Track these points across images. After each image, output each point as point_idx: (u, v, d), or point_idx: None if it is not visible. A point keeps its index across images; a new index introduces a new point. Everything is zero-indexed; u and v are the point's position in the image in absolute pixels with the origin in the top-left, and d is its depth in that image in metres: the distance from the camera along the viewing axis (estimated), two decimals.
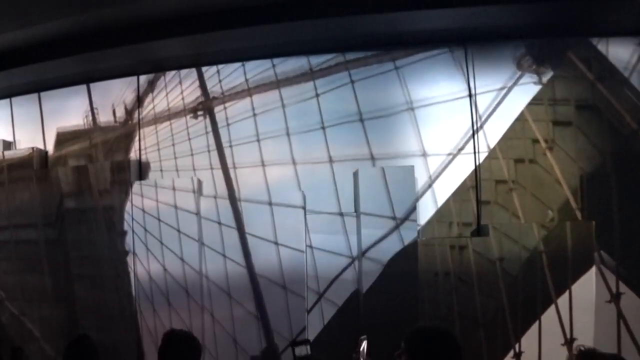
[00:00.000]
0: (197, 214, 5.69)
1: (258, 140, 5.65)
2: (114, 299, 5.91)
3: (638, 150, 4.93)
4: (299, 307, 5.31)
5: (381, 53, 5.41)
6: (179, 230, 5.71)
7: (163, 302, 5.73)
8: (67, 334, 6.02)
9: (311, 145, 5.50)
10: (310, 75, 5.59)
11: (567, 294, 4.84)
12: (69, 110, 6.38)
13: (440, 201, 5.19)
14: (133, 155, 6.03)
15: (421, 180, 5.23)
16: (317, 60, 5.58)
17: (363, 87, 5.45)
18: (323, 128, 5.47)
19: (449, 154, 5.22)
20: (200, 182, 5.73)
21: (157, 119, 6.00)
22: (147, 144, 6.01)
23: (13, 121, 6.62)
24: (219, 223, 5.62)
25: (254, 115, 5.68)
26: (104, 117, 6.23)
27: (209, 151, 5.80)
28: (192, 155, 5.86)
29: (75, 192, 6.20)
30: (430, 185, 5.21)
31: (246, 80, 5.75)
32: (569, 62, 5.12)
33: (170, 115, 5.98)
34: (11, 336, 6.23)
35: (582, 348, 2.33)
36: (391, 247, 5.15)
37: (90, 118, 6.26)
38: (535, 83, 5.15)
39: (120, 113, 6.16)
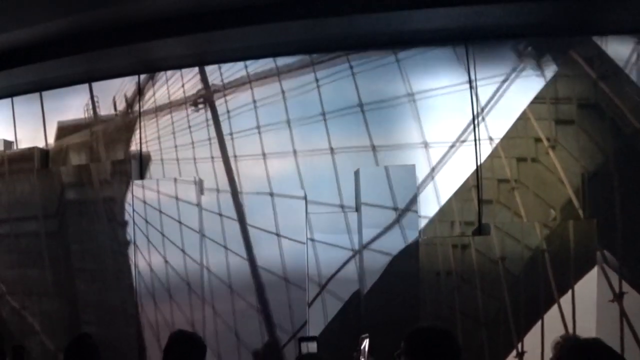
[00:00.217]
0: (198, 205, 5.69)
1: (259, 132, 5.64)
2: (114, 292, 5.90)
3: None
4: (301, 300, 5.30)
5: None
6: (180, 222, 5.71)
7: (164, 295, 5.72)
8: (67, 328, 6.02)
9: (312, 137, 5.49)
10: (311, 66, 5.58)
11: (569, 293, 4.82)
12: (70, 110, 6.37)
13: (442, 192, 5.17)
14: (134, 147, 6.04)
15: (423, 170, 5.22)
16: None
17: (364, 77, 5.45)
18: (324, 119, 5.46)
19: (451, 144, 5.20)
20: (201, 182, 5.72)
21: (158, 111, 5.99)
22: (147, 136, 6.00)
23: (14, 121, 6.62)
24: (220, 215, 5.62)
25: (255, 106, 5.68)
26: (105, 109, 6.23)
27: (210, 142, 5.80)
28: (193, 146, 5.86)
29: (76, 184, 6.21)
30: (431, 176, 5.19)
31: (247, 71, 5.74)
32: (571, 61, 5.10)
33: (171, 106, 5.97)
34: (11, 331, 6.23)
35: (560, 339, 2.31)
36: (393, 245, 5.13)
37: (90, 110, 6.25)
38: (537, 75, 5.12)
39: (121, 105, 6.16)
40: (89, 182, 6.13)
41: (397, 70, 5.36)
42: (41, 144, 6.43)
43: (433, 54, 5.35)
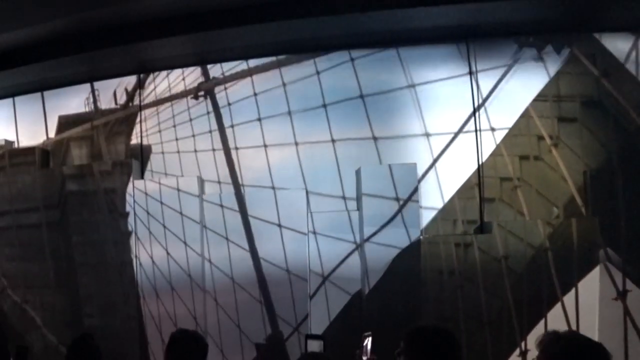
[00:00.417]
0: (200, 196, 5.69)
1: (260, 123, 5.63)
2: (116, 284, 5.91)
3: None
4: (304, 292, 5.30)
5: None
6: (181, 213, 5.71)
7: (166, 288, 5.73)
8: (69, 321, 6.03)
9: (313, 128, 5.49)
10: (311, 57, 5.57)
11: (573, 291, 4.80)
12: (71, 110, 6.37)
13: (444, 186, 5.16)
14: (135, 139, 6.03)
15: (424, 161, 5.22)
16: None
17: (364, 68, 5.44)
18: (325, 110, 5.45)
19: (452, 136, 5.19)
20: (202, 182, 5.72)
21: (158, 104, 6.00)
22: (148, 129, 6.00)
23: (16, 120, 6.62)
24: (221, 206, 5.62)
25: (256, 98, 5.67)
26: (105, 103, 6.23)
27: (211, 134, 5.79)
28: (193, 138, 5.85)
29: (77, 175, 6.22)
30: (434, 167, 5.17)
31: (247, 63, 5.75)
32: (573, 58, 5.08)
33: (171, 99, 5.97)
34: (13, 325, 6.24)
35: (543, 337, 2.33)
36: (395, 243, 5.13)
37: (91, 104, 6.26)
38: (538, 73, 5.10)
39: (122, 98, 6.16)
40: (90, 173, 6.15)
41: (397, 60, 5.35)
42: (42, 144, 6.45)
43: (434, 49, 5.33)
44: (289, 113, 5.55)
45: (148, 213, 5.81)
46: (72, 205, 6.14)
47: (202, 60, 5.82)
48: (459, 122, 5.20)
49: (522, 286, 4.92)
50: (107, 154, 6.11)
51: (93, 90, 6.26)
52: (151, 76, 6.07)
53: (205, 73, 5.91)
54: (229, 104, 5.77)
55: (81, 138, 6.28)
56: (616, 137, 4.95)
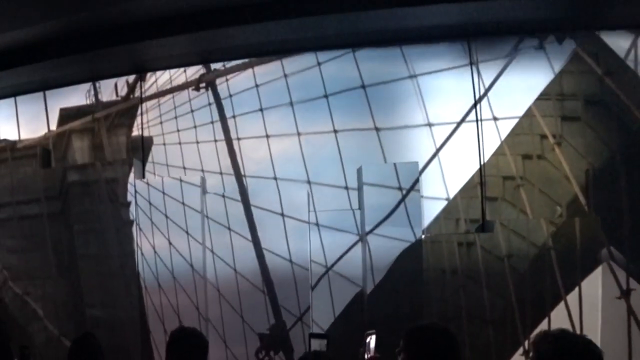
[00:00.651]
0: (202, 187, 5.70)
1: (262, 112, 5.64)
2: (118, 274, 5.91)
3: None
4: (307, 282, 5.31)
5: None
6: (183, 203, 5.71)
7: (168, 278, 5.73)
8: (71, 311, 6.04)
9: (315, 118, 5.49)
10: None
11: (576, 290, 4.78)
12: (72, 101, 6.38)
13: (447, 179, 5.15)
14: (135, 130, 6.04)
15: (427, 151, 5.21)
16: None
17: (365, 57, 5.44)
18: (327, 100, 5.45)
19: (455, 126, 5.18)
20: (204, 181, 5.72)
21: (160, 95, 6.01)
22: (150, 120, 6.01)
23: (17, 113, 6.62)
24: (224, 196, 5.63)
25: (257, 89, 5.67)
26: (107, 95, 6.24)
27: (212, 123, 5.79)
28: (195, 128, 5.86)
29: (78, 166, 6.24)
30: (437, 157, 5.17)
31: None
32: (576, 57, 5.07)
33: (173, 90, 5.98)
34: (15, 317, 6.24)
35: (535, 337, 2.34)
36: (397, 242, 5.12)
37: (92, 94, 6.27)
38: (541, 71, 5.09)
39: (123, 90, 6.17)
40: (91, 163, 6.17)
41: (398, 51, 5.36)
42: (44, 143, 6.45)
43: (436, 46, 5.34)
44: (291, 104, 5.56)
45: (150, 203, 5.83)
46: (74, 195, 6.15)
47: (204, 60, 5.82)
48: (461, 113, 5.19)
49: (525, 285, 4.91)
50: (108, 146, 6.11)
51: (94, 83, 6.27)
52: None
53: (206, 65, 5.90)
54: (230, 96, 5.77)
55: (83, 130, 6.29)
56: (619, 136, 4.94)
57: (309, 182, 5.41)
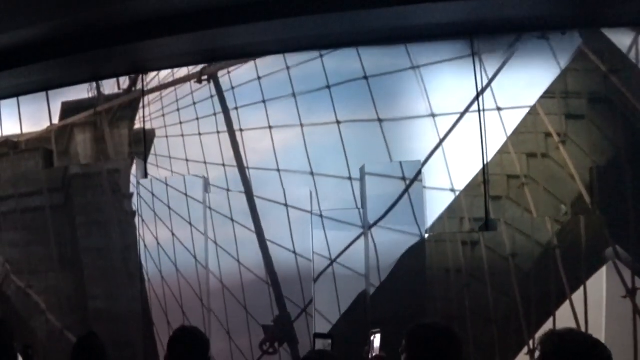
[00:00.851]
0: (204, 178, 5.70)
1: (264, 103, 5.63)
2: (121, 266, 5.91)
3: None
4: (311, 274, 5.32)
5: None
6: (187, 195, 5.72)
7: (171, 269, 5.73)
8: (74, 304, 6.04)
9: (318, 109, 5.48)
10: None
11: (581, 289, 4.76)
12: (74, 95, 6.39)
13: (450, 157, 5.17)
14: (138, 123, 6.05)
15: (430, 141, 5.21)
16: None
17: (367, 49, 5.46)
18: (329, 91, 5.44)
19: (458, 116, 5.17)
20: (206, 182, 5.72)
21: (162, 88, 6.01)
22: (152, 111, 6.02)
23: (19, 106, 6.62)
24: (227, 190, 5.62)
25: (259, 79, 5.67)
26: (109, 88, 6.24)
27: (215, 115, 5.80)
28: (197, 120, 5.86)
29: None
30: (441, 147, 5.16)
31: None
32: (580, 55, 5.04)
33: (175, 83, 5.98)
34: (17, 310, 6.25)
35: (541, 337, 2.31)
36: (399, 241, 5.11)
37: (94, 87, 6.27)
38: (545, 69, 5.06)
39: (125, 83, 6.17)
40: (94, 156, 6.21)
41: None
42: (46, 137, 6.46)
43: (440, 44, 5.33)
44: (294, 95, 5.56)
45: (153, 194, 5.83)
46: (76, 188, 6.15)
47: (207, 59, 5.81)
48: (465, 104, 5.18)
49: (530, 284, 4.89)
50: (110, 139, 6.12)
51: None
52: None
53: None
54: (233, 88, 5.77)
55: (85, 124, 6.30)
56: (624, 134, 4.92)
57: (312, 173, 5.41)
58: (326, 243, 5.30)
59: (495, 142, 5.11)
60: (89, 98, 6.29)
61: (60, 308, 6.12)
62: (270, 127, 5.60)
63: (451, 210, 5.13)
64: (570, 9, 4.88)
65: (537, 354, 2.25)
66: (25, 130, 6.55)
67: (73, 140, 6.31)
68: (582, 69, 5.04)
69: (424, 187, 5.14)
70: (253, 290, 5.45)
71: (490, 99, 5.16)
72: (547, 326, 4.79)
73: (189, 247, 5.67)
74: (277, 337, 5.38)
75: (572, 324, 4.69)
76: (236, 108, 5.74)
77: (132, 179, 5.93)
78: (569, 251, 4.84)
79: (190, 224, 5.69)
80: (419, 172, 5.13)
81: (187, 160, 5.86)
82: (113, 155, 6.11)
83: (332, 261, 5.26)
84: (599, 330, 4.59)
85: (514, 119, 5.08)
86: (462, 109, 5.19)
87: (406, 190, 5.13)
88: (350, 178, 5.32)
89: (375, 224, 5.17)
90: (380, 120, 5.32)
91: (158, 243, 5.79)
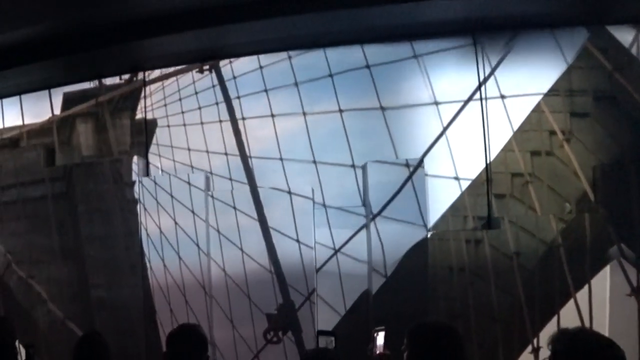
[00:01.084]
0: (206, 174, 5.69)
1: (266, 92, 5.62)
2: (123, 254, 5.91)
3: None
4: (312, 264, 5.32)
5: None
6: (189, 183, 5.71)
7: (174, 257, 5.73)
8: (76, 292, 6.03)
9: (320, 98, 5.48)
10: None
11: (585, 288, 4.74)
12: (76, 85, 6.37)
13: (454, 147, 5.16)
14: (139, 113, 6.05)
15: (433, 130, 5.20)
16: None
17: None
18: (331, 78, 5.42)
19: (461, 105, 5.15)
20: (209, 178, 5.70)
21: (164, 78, 6.00)
22: (153, 101, 6.00)
23: (20, 100, 6.61)
24: (230, 179, 5.62)
25: (261, 68, 5.66)
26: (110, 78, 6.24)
27: (217, 104, 5.79)
28: (199, 109, 5.85)
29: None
30: (444, 135, 5.14)
31: None
32: (585, 52, 5.02)
33: (176, 72, 5.97)
34: (19, 300, 6.24)
35: (552, 336, 2.29)
36: (402, 240, 5.09)
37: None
38: (550, 67, 5.04)
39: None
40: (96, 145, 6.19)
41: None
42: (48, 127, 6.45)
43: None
44: (296, 84, 5.55)
45: (156, 183, 5.83)
46: (78, 176, 6.14)
47: (208, 57, 5.80)
48: (467, 92, 5.16)
49: (534, 283, 4.87)
50: (112, 129, 6.10)
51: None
52: None
53: None
54: (234, 77, 5.76)
55: (87, 114, 6.29)
56: (629, 132, 4.89)
57: (314, 162, 5.40)
58: (329, 232, 5.28)
59: (499, 138, 5.08)
60: (91, 88, 6.28)
61: (62, 297, 6.11)
62: (272, 116, 5.59)
63: (454, 208, 5.12)
64: (575, 6, 4.86)
65: (544, 352, 2.24)
66: (26, 117, 6.55)
67: (75, 130, 6.30)
68: (586, 66, 5.01)
69: (426, 175, 5.12)
70: (256, 278, 5.45)
71: (494, 88, 5.13)
72: (551, 325, 4.78)
73: (192, 235, 5.67)
74: (280, 326, 5.37)
75: (577, 323, 4.67)
76: (238, 97, 5.74)
77: (134, 167, 5.93)
78: (573, 249, 4.83)
79: (192, 212, 5.68)
80: (421, 161, 5.11)
81: (189, 149, 5.85)
82: (115, 145, 6.10)
83: (336, 251, 5.25)
84: (603, 329, 4.57)
85: (518, 116, 5.06)
86: (465, 98, 5.16)
87: (409, 178, 5.12)
88: (353, 166, 5.31)
89: (379, 213, 5.15)
90: (382, 109, 5.30)
91: (160, 231, 5.79)
